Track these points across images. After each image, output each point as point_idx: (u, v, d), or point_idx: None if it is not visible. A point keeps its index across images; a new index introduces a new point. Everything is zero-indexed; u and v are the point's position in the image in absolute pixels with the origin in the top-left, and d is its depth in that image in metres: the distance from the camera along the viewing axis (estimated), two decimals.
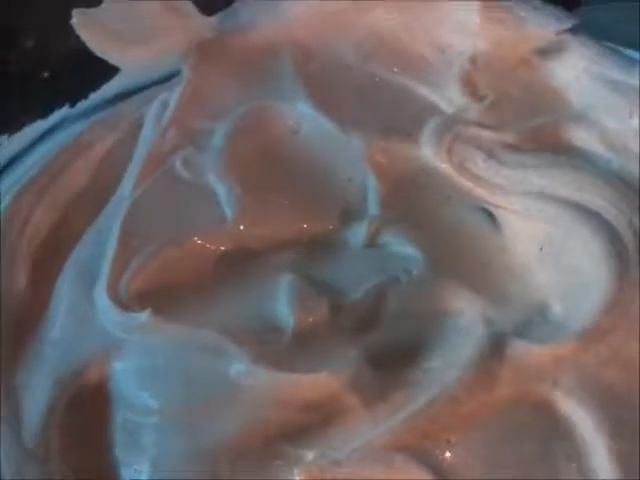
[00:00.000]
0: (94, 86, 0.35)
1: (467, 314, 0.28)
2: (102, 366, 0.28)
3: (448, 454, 0.25)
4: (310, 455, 0.26)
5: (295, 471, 0.25)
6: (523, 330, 0.27)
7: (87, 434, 0.28)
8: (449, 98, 0.33)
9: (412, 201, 0.31)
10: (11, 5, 0.32)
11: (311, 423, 0.26)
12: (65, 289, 0.30)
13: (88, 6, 0.34)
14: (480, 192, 0.31)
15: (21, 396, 0.28)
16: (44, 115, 0.34)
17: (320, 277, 0.29)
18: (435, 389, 0.26)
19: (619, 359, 0.26)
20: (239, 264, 0.30)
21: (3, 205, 0.32)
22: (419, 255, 0.30)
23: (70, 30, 0.33)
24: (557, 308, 0.28)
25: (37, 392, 0.28)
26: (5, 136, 0.34)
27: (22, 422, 0.27)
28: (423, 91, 0.34)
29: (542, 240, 0.30)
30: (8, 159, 0.34)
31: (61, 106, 0.34)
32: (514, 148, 0.31)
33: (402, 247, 0.30)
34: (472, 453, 0.25)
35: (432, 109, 0.33)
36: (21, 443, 0.27)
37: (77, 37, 0.33)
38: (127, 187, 0.32)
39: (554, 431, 0.26)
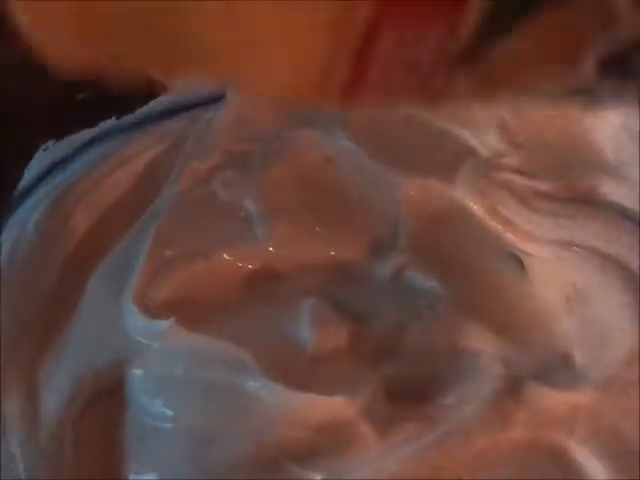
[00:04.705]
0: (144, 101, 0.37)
1: (486, 354, 0.29)
2: (121, 370, 0.30)
3: None
4: (318, 477, 0.26)
5: None
6: (543, 375, 0.28)
7: (100, 437, 0.29)
8: (487, 143, 0.35)
9: (442, 239, 0.32)
10: None
11: (322, 446, 0.27)
12: (94, 292, 0.32)
13: None
14: (510, 237, 0.32)
15: (41, 393, 0.29)
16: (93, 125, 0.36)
17: (343, 304, 0.30)
18: (448, 424, 0.27)
19: (637, 412, 0.27)
20: (265, 283, 0.31)
21: (42, 207, 0.34)
22: (444, 293, 0.31)
23: None
24: (579, 356, 0.29)
25: (56, 390, 0.29)
26: (51, 141, 0.36)
27: (39, 419, 0.29)
28: (463, 134, 0.35)
29: (569, 289, 0.31)
30: (51, 163, 0.36)
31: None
32: (547, 196, 0.33)
33: (428, 283, 0.31)
34: None
35: (470, 152, 0.35)
36: (37, 440, 0.28)
37: None
38: (164, 199, 0.34)
39: (567, 478, 0.26)
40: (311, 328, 0.29)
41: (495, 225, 0.32)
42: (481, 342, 0.29)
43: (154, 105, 0.37)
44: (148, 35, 0.15)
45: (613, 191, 0.33)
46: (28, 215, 0.34)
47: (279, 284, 0.31)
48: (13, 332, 0.30)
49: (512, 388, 0.28)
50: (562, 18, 0.14)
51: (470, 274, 0.32)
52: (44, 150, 0.36)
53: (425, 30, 0.14)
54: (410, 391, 0.28)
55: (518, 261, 0.32)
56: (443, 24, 0.14)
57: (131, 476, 0.28)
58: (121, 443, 0.28)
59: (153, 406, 0.29)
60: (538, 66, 0.16)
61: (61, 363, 0.30)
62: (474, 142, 0.35)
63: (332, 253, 0.33)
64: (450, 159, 0.34)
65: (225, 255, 0.32)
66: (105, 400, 0.29)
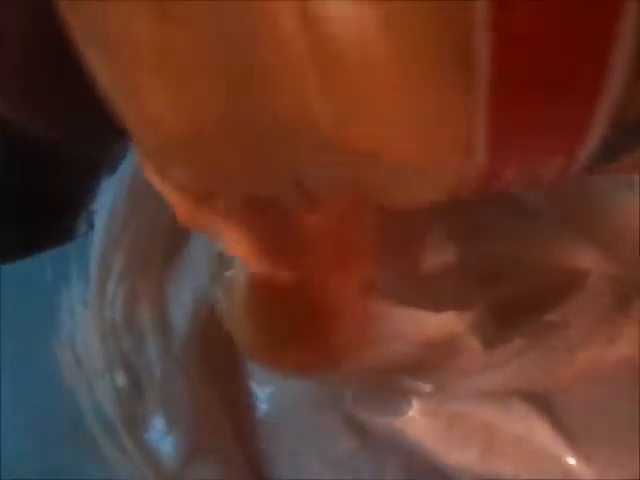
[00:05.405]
0: None
1: (595, 272, 0.29)
2: None
3: (564, 401, 0.27)
4: (427, 388, 0.28)
5: (413, 401, 0.28)
6: None
7: (224, 352, 0.31)
8: None
9: None
10: None
11: (431, 359, 0.29)
12: None
13: None
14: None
15: (169, 307, 0.32)
16: None
17: (452, 221, 0.31)
18: (555, 339, 0.28)
19: None
20: None
21: None
22: (556, 214, 0.31)
23: None
24: None
25: (182, 306, 0.32)
26: None
27: (171, 331, 0.32)
28: None
29: None
30: None
31: None
32: None
33: (538, 203, 0.31)
34: (588, 402, 0.27)
35: None
36: (171, 350, 0.31)
37: None
38: None
39: None
40: (421, 245, 0.30)
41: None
42: (590, 262, 0.30)
43: None
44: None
45: None
46: None
47: None
48: (143, 247, 0.33)
49: (619, 305, 0.28)
50: None
51: (580, 193, 0.32)
52: None
53: (547, 160, 0.14)
54: (516, 309, 0.29)
55: (629, 180, 0.32)
56: (563, 155, 0.14)
57: (252, 384, 0.31)
58: (242, 358, 0.31)
59: None
60: None
61: (185, 281, 0.33)
62: None
63: None
64: None
65: None
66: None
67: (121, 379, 0.30)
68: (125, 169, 0.35)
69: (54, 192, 0.42)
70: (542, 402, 0.27)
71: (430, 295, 0.29)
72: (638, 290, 0.29)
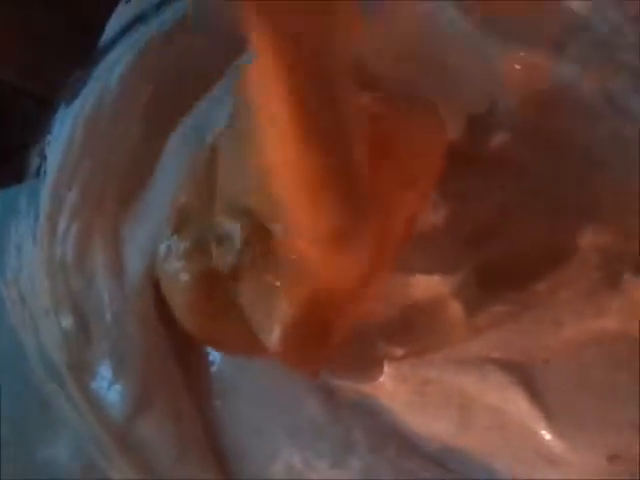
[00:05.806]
0: None
1: (588, 246, 0.28)
2: None
3: (544, 374, 0.26)
4: (401, 351, 0.26)
5: (385, 366, 0.26)
6: None
7: None
8: (605, 16, 0.32)
9: (547, 117, 0.30)
10: None
11: (411, 321, 0.27)
12: (172, 150, 0.31)
13: None
14: (628, 126, 0.30)
15: (124, 249, 0.30)
16: None
17: (444, 184, 0.29)
18: (540, 310, 0.26)
19: None
20: None
21: (124, 62, 0.33)
22: (552, 187, 0.29)
23: None
24: None
25: (139, 249, 0.30)
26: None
27: (125, 274, 0.29)
28: (576, 4, 0.33)
29: None
30: (133, 18, 0.35)
31: None
32: None
33: (536, 175, 0.29)
34: (567, 376, 0.26)
35: (584, 25, 0.32)
36: (124, 293, 0.28)
37: None
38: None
39: None
40: None
41: (608, 110, 0.30)
42: (584, 235, 0.28)
43: None
44: None
45: None
46: (111, 68, 0.33)
47: None
48: (99, 182, 0.30)
49: (609, 279, 0.27)
50: None
51: (573, 158, 0.30)
52: (126, 3, 0.35)
53: None
54: (503, 276, 0.27)
55: (623, 143, 0.30)
56: None
57: None
58: None
59: None
60: None
61: (140, 222, 0.30)
62: (588, 13, 0.32)
63: None
64: (561, 30, 0.31)
65: None
66: None
67: (68, 321, 0.28)
68: (86, 97, 0.32)
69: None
70: (521, 374, 0.26)
71: (417, 257, 0.27)
72: (629, 266, 0.27)
